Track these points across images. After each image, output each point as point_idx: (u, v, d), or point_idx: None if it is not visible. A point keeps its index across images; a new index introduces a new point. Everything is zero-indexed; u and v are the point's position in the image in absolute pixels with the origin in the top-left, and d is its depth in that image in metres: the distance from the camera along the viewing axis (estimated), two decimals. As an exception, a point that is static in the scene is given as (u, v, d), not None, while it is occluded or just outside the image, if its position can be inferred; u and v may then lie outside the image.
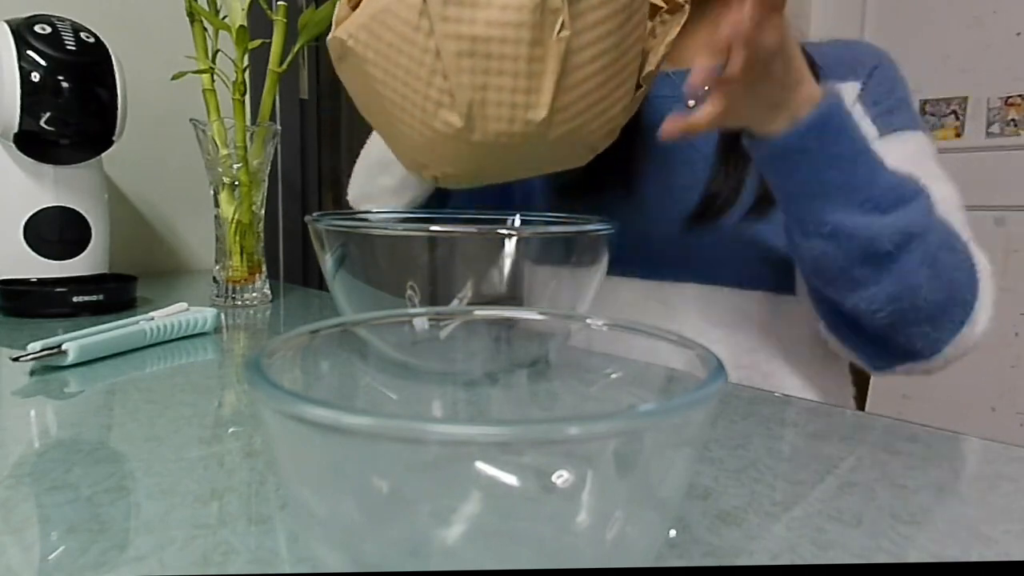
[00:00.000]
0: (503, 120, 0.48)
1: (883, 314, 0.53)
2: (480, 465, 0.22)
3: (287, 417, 0.18)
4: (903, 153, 0.60)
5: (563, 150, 0.52)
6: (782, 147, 0.50)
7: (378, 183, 0.74)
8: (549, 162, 0.55)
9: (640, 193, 0.69)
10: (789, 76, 0.48)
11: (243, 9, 0.77)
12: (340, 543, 0.20)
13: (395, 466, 0.19)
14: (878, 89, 0.64)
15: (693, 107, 0.50)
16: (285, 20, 0.79)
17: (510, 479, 0.22)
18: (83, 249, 0.78)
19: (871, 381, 0.87)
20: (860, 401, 0.84)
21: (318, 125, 1.41)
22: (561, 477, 0.21)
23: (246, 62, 0.79)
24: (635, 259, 0.67)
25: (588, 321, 0.29)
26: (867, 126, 0.63)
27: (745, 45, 0.45)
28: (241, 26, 0.77)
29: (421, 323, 0.32)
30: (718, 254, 0.65)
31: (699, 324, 0.65)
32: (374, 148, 0.74)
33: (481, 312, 0.32)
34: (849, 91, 0.64)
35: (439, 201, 0.75)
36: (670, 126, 0.49)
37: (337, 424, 0.16)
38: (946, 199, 0.57)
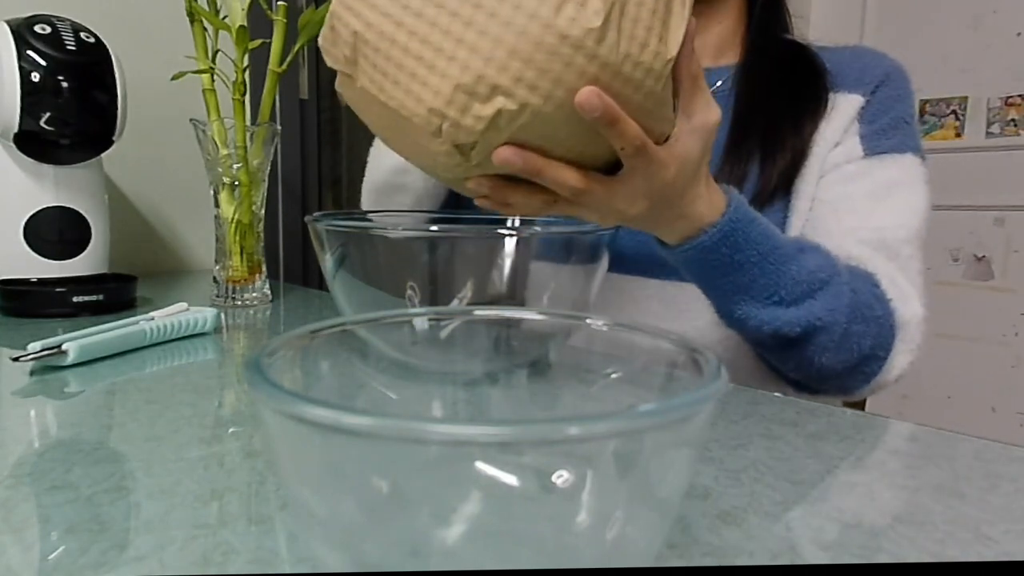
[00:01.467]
0: (636, 41, 0.39)
1: (792, 375, 0.60)
2: (480, 465, 0.22)
3: (287, 417, 0.18)
4: (878, 179, 0.63)
5: (647, 118, 0.43)
6: (683, 259, 0.52)
7: (394, 201, 0.73)
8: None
9: None
10: (689, 192, 0.47)
11: (243, 9, 0.77)
12: (340, 543, 0.20)
13: (395, 466, 0.19)
14: (878, 107, 0.65)
15: None
16: (285, 20, 0.79)
17: (510, 479, 0.22)
18: (83, 249, 0.78)
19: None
20: (860, 401, 0.84)
21: (318, 125, 1.40)
22: (561, 477, 0.21)
23: (246, 62, 0.79)
24: (640, 258, 0.67)
25: (588, 321, 0.29)
26: (853, 145, 0.64)
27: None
28: (241, 26, 0.77)
29: (421, 323, 0.32)
30: None
31: (702, 324, 0.65)
32: (384, 162, 0.72)
33: (481, 312, 0.32)
34: (852, 104, 0.64)
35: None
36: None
37: (337, 424, 0.16)
38: (901, 227, 0.60)
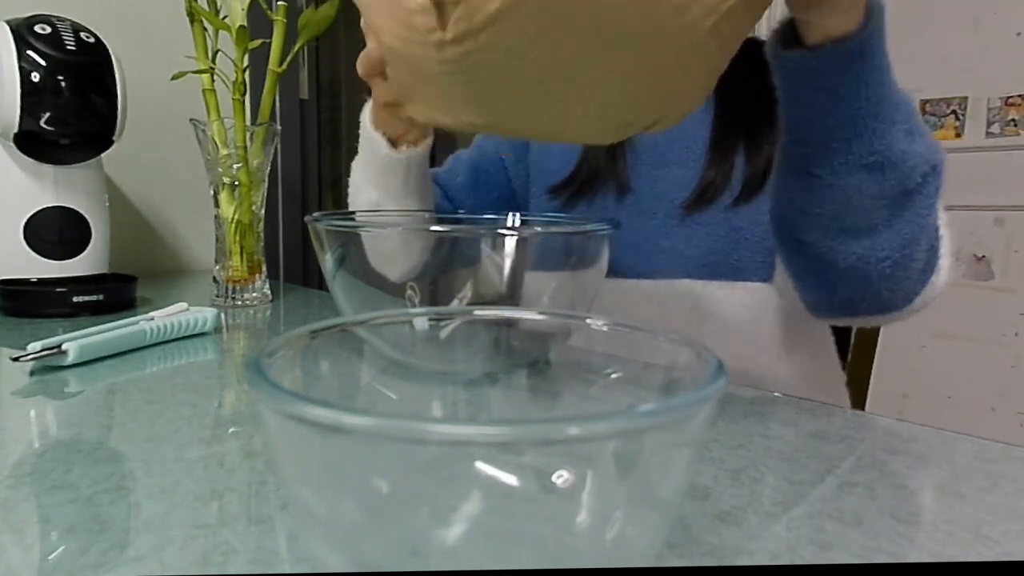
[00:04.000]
0: None
1: (887, 263, 0.50)
2: (480, 465, 0.22)
3: (287, 417, 0.18)
4: None
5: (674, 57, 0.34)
6: (860, 44, 0.44)
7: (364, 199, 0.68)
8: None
9: (635, 192, 0.69)
10: None
11: (243, 9, 0.77)
12: (340, 543, 0.20)
13: (395, 466, 0.19)
14: None
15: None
16: (285, 20, 0.79)
17: (510, 479, 0.22)
18: (83, 249, 0.78)
19: (871, 381, 0.87)
20: (860, 401, 0.84)
21: (318, 125, 1.41)
22: (561, 477, 0.21)
23: (246, 62, 0.79)
24: (628, 258, 0.67)
25: (588, 321, 0.29)
26: None
27: None
28: (241, 26, 0.77)
29: (421, 323, 0.32)
30: (709, 246, 0.66)
31: (693, 320, 0.65)
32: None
33: (481, 312, 0.32)
34: None
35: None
36: None
37: (337, 424, 0.16)
38: None
